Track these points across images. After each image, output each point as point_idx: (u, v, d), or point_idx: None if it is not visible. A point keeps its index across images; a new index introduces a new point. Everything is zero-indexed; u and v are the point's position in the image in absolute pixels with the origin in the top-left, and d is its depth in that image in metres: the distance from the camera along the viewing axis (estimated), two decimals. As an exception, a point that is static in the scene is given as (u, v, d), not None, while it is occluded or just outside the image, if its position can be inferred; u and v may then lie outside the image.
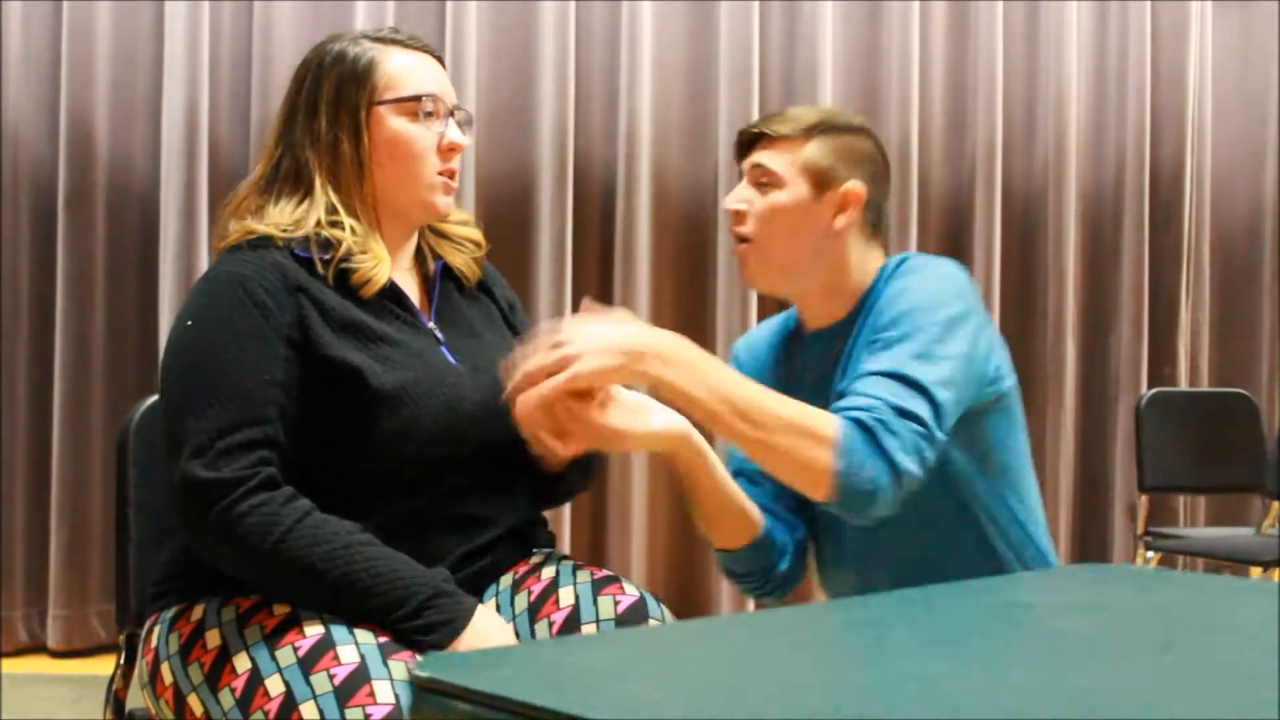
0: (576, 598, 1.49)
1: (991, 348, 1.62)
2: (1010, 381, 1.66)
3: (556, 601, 1.49)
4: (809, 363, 1.72)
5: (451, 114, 1.59)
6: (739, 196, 1.69)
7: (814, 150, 1.68)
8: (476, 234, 1.70)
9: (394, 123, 1.54)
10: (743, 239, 1.69)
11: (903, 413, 1.44)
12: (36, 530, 3.56)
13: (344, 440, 1.45)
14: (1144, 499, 3.73)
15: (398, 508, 1.47)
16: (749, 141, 1.72)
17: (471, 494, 1.52)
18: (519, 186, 3.78)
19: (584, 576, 1.52)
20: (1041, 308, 4.08)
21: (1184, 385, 4.13)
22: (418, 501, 1.48)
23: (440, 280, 1.63)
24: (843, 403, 1.47)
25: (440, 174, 1.57)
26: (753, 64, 3.83)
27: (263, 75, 3.59)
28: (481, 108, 3.74)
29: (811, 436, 1.40)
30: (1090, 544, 4.15)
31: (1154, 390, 3.84)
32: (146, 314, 3.61)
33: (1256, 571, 3.50)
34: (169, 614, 1.48)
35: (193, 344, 1.44)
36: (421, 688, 0.71)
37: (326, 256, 1.48)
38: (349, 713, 1.27)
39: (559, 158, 3.75)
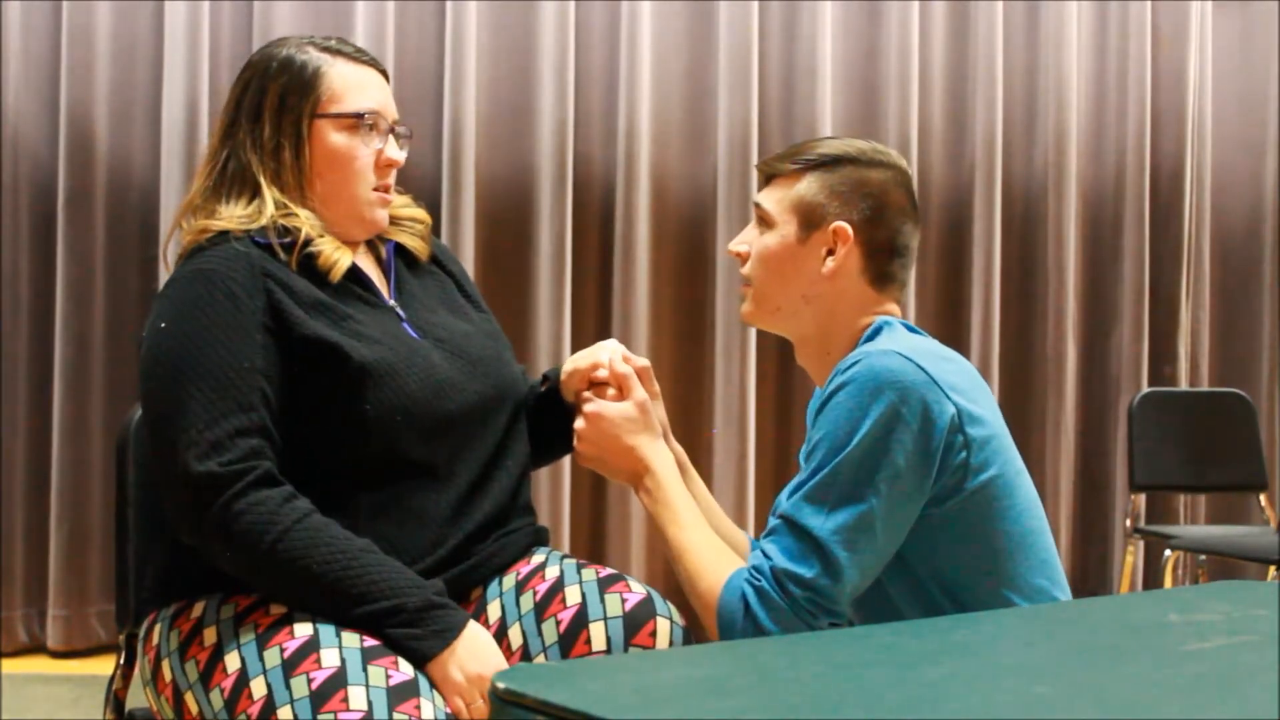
0: (583, 596, 1.49)
1: (929, 463, 1.43)
2: (991, 471, 1.47)
3: (563, 600, 1.50)
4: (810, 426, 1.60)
5: (392, 130, 1.60)
6: (740, 238, 1.65)
7: (806, 187, 1.58)
8: (421, 213, 1.72)
9: (334, 137, 1.56)
10: (745, 281, 1.64)
11: (791, 577, 1.40)
12: (36, 530, 3.56)
13: (334, 421, 1.46)
14: (1134, 497, 3.73)
15: (391, 488, 1.48)
16: (765, 178, 1.65)
17: (458, 463, 1.53)
18: (519, 186, 3.78)
19: (589, 575, 1.53)
20: (1041, 308, 4.08)
21: (1184, 385, 4.13)
22: (410, 480, 1.49)
23: (393, 259, 1.65)
24: (755, 547, 1.49)
25: (376, 189, 1.59)
26: (752, 64, 3.83)
27: (263, 75, 3.58)
28: (481, 108, 3.74)
29: (701, 600, 1.47)
30: (1090, 544, 4.15)
31: (1147, 390, 3.84)
32: (146, 314, 3.59)
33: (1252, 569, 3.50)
34: (169, 611, 1.48)
35: (169, 344, 1.44)
36: (501, 700, 0.71)
37: (287, 241, 1.51)
38: (321, 718, 1.27)
39: (559, 158, 3.75)
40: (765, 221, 1.61)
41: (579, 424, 1.62)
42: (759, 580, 1.41)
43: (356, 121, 1.56)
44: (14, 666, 3.39)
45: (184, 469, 1.37)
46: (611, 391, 1.62)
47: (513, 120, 3.78)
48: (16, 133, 3.56)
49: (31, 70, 3.59)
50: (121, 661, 1.63)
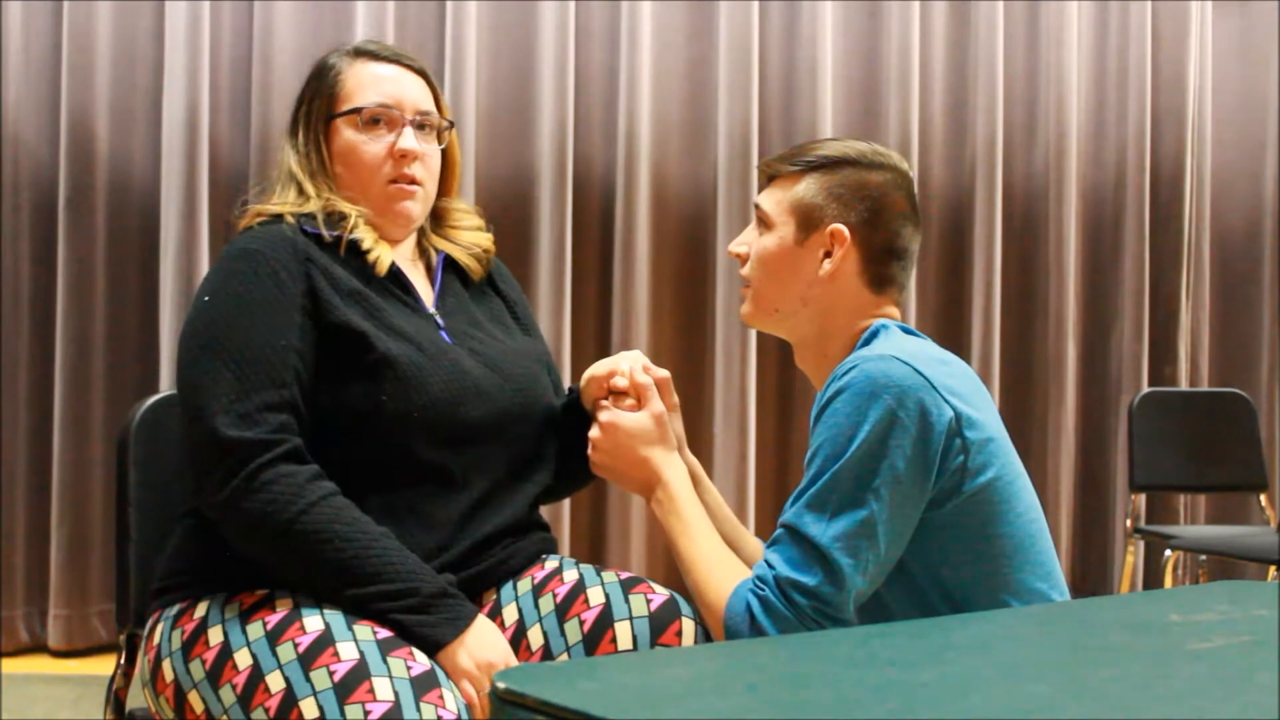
0: (607, 596, 1.51)
1: (928, 466, 1.42)
2: (990, 474, 1.46)
3: (586, 600, 1.51)
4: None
5: (415, 122, 1.63)
6: (739, 239, 1.65)
7: (805, 188, 1.58)
8: (485, 239, 1.74)
9: (346, 134, 1.62)
10: (745, 282, 1.64)
11: (794, 586, 1.39)
12: (37, 530, 3.56)
13: (353, 411, 1.47)
14: (1134, 497, 3.73)
15: (402, 490, 1.48)
16: (765, 179, 1.64)
17: (474, 473, 1.53)
18: (519, 186, 3.78)
19: (610, 577, 1.55)
20: (1042, 308, 4.08)
21: (1184, 385, 4.13)
22: (422, 484, 1.49)
23: (444, 272, 1.68)
24: (760, 558, 1.49)
25: (397, 180, 1.61)
26: (753, 64, 3.83)
27: (263, 76, 3.59)
28: (481, 108, 3.74)
29: (709, 611, 1.48)
30: (1090, 544, 4.15)
31: (1147, 390, 3.84)
32: (146, 314, 3.61)
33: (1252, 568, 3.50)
34: (172, 611, 1.48)
35: (210, 317, 1.48)
36: (501, 700, 0.71)
37: (336, 233, 1.56)
38: (349, 709, 1.27)
39: (559, 158, 3.75)
40: (764, 222, 1.61)
41: (594, 432, 1.62)
42: (763, 590, 1.41)
43: (358, 116, 1.61)
44: (15, 666, 3.39)
45: (214, 434, 1.39)
46: (629, 401, 1.62)
47: (513, 120, 3.78)
48: (17, 133, 3.56)
49: (32, 70, 3.59)
50: (122, 661, 1.64)
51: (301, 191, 1.60)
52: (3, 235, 3.53)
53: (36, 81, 3.60)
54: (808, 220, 1.57)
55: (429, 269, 1.67)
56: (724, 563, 1.50)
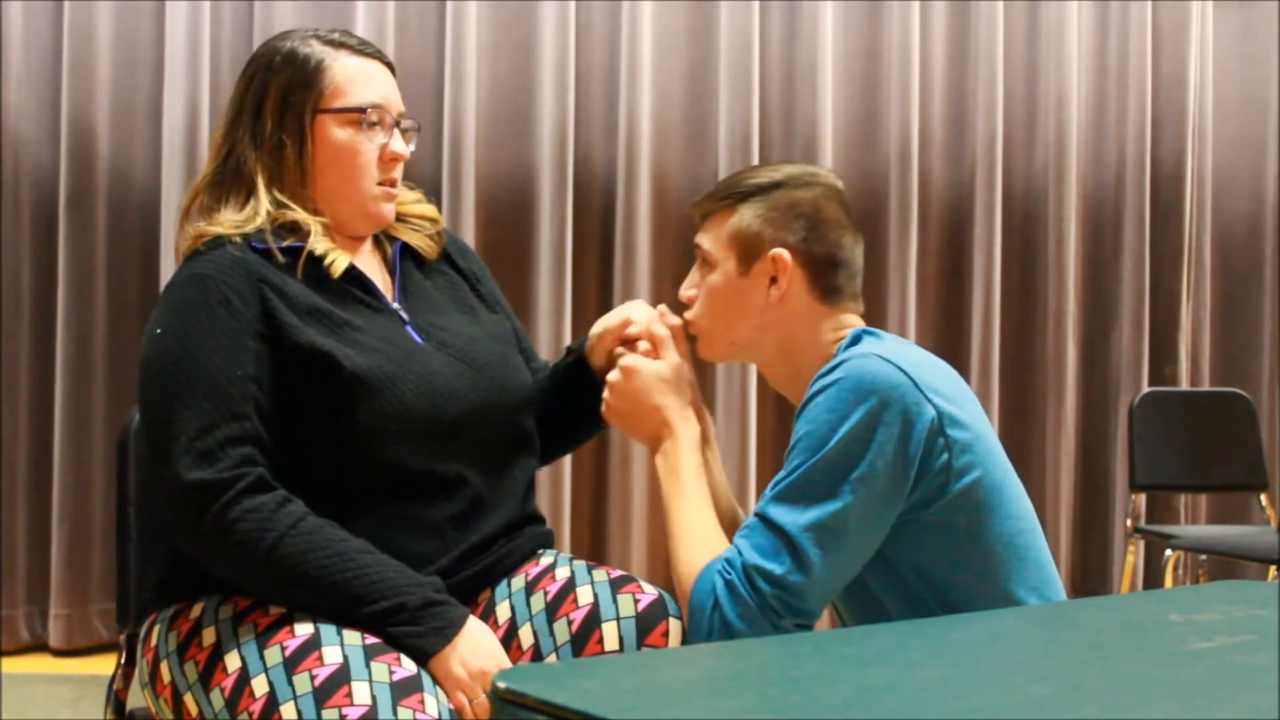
0: (595, 596, 1.50)
1: (907, 466, 1.43)
2: (976, 474, 1.47)
3: (575, 600, 1.50)
4: None
5: (397, 123, 1.59)
6: (687, 282, 1.66)
7: (739, 219, 1.58)
8: (431, 210, 1.70)
9: (337, 132, 1.54)
10: (691, 323, 1.63)
11: (760, 573, 1.39)
12: (38, 529, 3.56)
13: (330, 430, 1.45)
14: (1134, 497, 3.73)
15: (394, 498, 1.47)
16: (700, 218, 1.64)
17: (463, 471, 1.52)
18: (519, 186, 3.78)
19: (600, 576, 1.54)
20: (1041, 308, 4.07)
21: (1185, 385, 4.13)
22: (413, 490, 1.48)
23: (400, 260, 1.64)
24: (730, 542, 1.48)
25: (382, 184, 1.57)
26: (753, 64, 3.83)
27: (263, 75, 3.59)
28: (481, 108, 3.74)
29: (679, 582, 1.48)
30: (1090, 544, 4.15)
31: (1147, 390, 3.84)
32: (147, 314, 3.58)
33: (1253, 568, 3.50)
34: (168, 612, 1.48)
35: (163, 350, 1.44)
36: (501, 699, 0.72)
37: (284, 245, 1.49)
38: (325, 713, 1.27)
39: (559, 158, 3.75)
40: (707, 262, 1.61)
41: (613, 376, 1.62)
42: (729, 574, 1.42)
43: (359, 116, 1.55)
44: (15, 665, 3.39)
45: (176, 477, 1.37)
46: (645, 346, 1.63)
47: (513, 120, 3.78)
48: (17, 133, 3.56)
49: (32, 70, 3.59)
50: (122, 661, 1.64)
51: (251, 196, 1.52)
52: (3, 235, 3.53)
53: (36, 81, 3.60)
54: (747, 250, 1.58)
55: (385, 260, 1.64)
56: (706, 535, 1.50)
